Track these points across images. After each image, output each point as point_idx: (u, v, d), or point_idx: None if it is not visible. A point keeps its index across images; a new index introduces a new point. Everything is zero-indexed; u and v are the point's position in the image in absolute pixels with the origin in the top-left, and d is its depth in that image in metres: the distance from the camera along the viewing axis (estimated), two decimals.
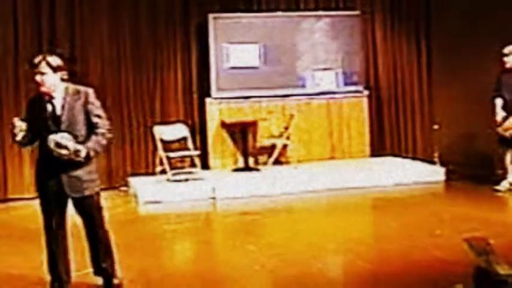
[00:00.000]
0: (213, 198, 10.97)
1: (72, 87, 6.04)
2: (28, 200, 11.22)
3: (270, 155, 12.69)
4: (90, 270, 7.08)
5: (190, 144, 11.98)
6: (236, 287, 6.75)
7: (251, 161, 12.57)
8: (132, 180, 11.88)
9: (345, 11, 13.39)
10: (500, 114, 10.51)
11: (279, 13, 13.05)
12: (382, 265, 7.14)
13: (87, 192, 6.01)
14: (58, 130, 5.82)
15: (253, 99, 12.87)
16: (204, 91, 12.70)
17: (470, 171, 11.82)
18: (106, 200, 11.11)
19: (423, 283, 6.06)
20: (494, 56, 10.61)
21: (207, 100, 12.66)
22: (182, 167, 11.95)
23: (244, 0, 13.01)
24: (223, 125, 12.64)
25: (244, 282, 6.83)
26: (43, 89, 5.85)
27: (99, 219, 6.18)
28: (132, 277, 6.98)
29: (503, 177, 10.69)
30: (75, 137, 5.83)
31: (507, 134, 10.40)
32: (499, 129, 10.47)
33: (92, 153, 5.87)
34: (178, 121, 12.40)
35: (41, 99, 5.94)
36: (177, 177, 11.46)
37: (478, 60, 11.50)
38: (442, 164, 12.15)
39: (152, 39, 12.42)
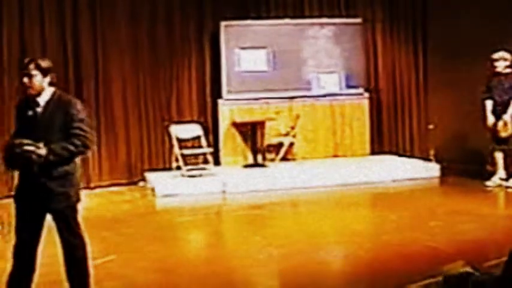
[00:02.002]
0: (224, 192, 10.99)
1: (59, 93, 5.33)
2: None
3: (277, 153, 12.70)
4: (112, 257, 7.17)
5: (203, 142, 11.99)
6: (244, 274, 6.79)
7: (260, 158, 12.57)
8: (150, 175, 11.90)
9: (348, 18, 13.38)
10: (490, 117, 10.51)
11: (286, 21, 13.05)
12: (380, 255, 7.15)
13: (58, 206, 5.24)
14: (33, 135, 5.08)
15: (262, 100, 12.86)
16: (216, 93, 12.74)
17: (463, 167, 11.81)
18: (126, 194, 11.31)
19: (418, 271, 6.07)
20: (485, 62, 10.61)
21: (219, 101, 12.69)
22: (196, 163, 11.96)
23: (254, 8, 13.02)
24: (234, 124, 12.64)
25: (252, 270, 6.87)
26: (31, 91, 5.19)
27: (69, 234, 5.35)
28: (148, 265, 7.03)
29: (494, 173, 10.69)
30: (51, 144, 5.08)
31: (503, 135, 10.41)
32: (501, 134, 10.44)
33: (51, 157, 5.06)
34: (192, 121, 12.41)
35: (25, 102, 5.30)
36: (191, 173, 11.49)
37: (470, 64, 11.50)
38: (437, 161, 12.14)
39: (169, 45, 12.44)
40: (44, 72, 5.23)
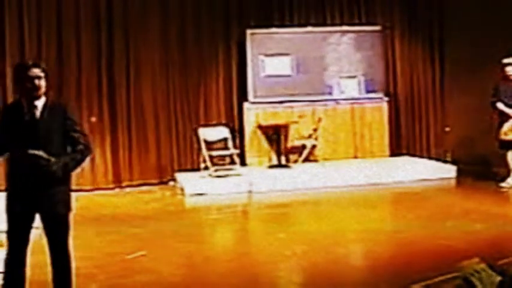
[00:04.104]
0: (250, 191, 10.99)
1: (52, 98, 5.11)
2: (89, 192, 11.38)
3: (300, 154, 12.67)
4: (143, 252, 7.20)
5: (230, 144, 12.00)
6: (269, 269, 6.79)
7: (284, 159, 12.56)
8: (179, 176, 11.93)
9: (367, 26, 13.34)
10: (510, 111, 10.38)
11: (309, 28, 13.03)
12: (398, 252, 7.15)
13: (61, 211, 4.97)
14: (34, 139, 4.80)
15: (285, 104, 12.85)
16: (243, 97, 12.76)
17: (478, 169, 11.72)
18: (156, 192, 11.37)
19: (434, 268, 6.04)
20: (498, 68, 10.52)
21: (245, 105, 12.70)
22: (223, 164, 11.96)
23: (278, 17, 13.02)
24: (259, 127, 12.64)
25: (276, 266, 6.87)
26: (39, 93, 4.88)
27: (66, 239, 5.04)
28: (177, 260, 7.06)
29: (508, 174, 10.59)
30: (51, 150, 4.80)
31: (508, 137, 10.31)
32: (501, 136, 10.37)
33: (67, 169, 4.90)
34: (219, 124, 12.42)
35: (18, 106, 4.93)
36: (218, 173, 11.50)
37: (485, 71, 11.41)
38: (453, 162, 12.08)
39: (197, 52, 12.46)
40: (47, 75, 4.98)
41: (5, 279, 5.00)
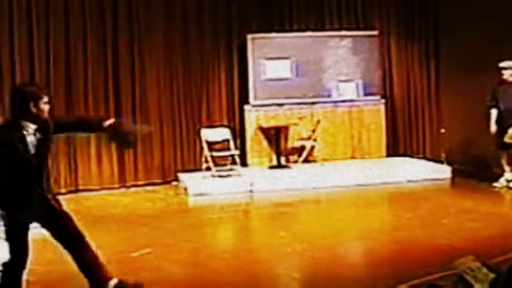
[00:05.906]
0: (251, 191, 11.02)
1: None
2: (95, 191, 11.42)
3: (299, 155, 12.70)
4: (148, 250, 7.23)
5: (231, 145, 12.04)
6: (270, 266, 6.83)
7: (283, 159, 12.59)
8: (182, 176, 11.96)
9: (365, 31, 13.38)
10: (493, 126, 10.43)
11: (308, 33, 13.06)
12: (396, 250, 7.16)
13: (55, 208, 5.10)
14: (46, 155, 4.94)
15: (285, 106, 12.89)
16: (244, 99, 12.79)
17: (472, 169, 11.75)
18: (160, 192, 11.41)
19: (430, 265, 6.07)
20: (493, 72, 10.54)
21: (246, 107, 12.74)
22: (224, 165, 11.99)
23: (278, 22, 13.05)
24: (260, 128, 12.68)
25: (278, 263, 6.91)
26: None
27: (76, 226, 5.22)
28: (181, 258, 7.09)
29: (501, 175, 10.62)
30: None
31: (507, 141, 10.33)
32: (506, 139, 10.36)
33: None
34: (221, 125, 12.45)
35: (19, 129, 4.76)
36: (220, 173, 11.53)
37: (479, 74, 11.41)
38: (448, 163, 12.09)
39: (200, 56, 12.49)
40: None
41: (3, 279, 4.88)
